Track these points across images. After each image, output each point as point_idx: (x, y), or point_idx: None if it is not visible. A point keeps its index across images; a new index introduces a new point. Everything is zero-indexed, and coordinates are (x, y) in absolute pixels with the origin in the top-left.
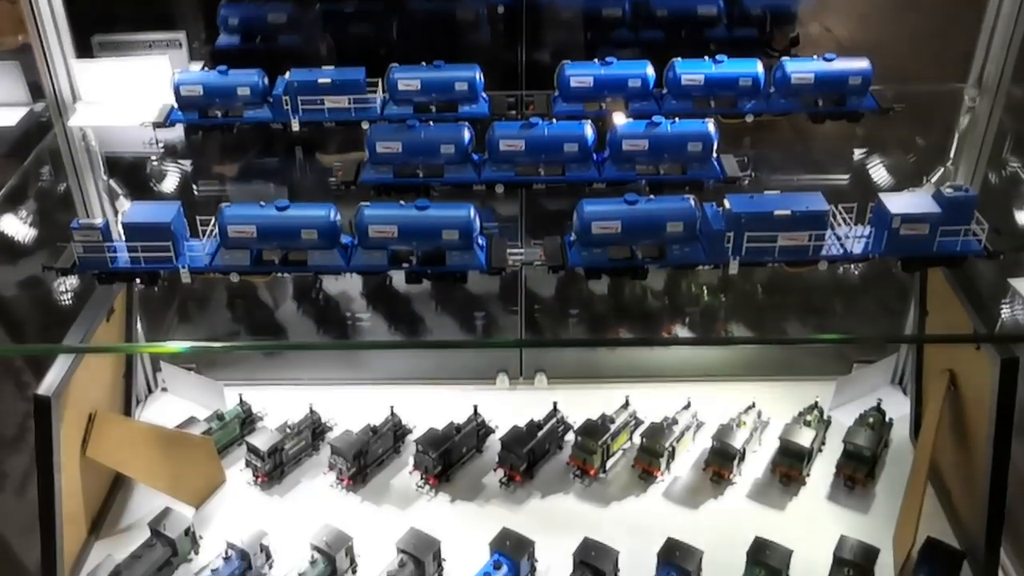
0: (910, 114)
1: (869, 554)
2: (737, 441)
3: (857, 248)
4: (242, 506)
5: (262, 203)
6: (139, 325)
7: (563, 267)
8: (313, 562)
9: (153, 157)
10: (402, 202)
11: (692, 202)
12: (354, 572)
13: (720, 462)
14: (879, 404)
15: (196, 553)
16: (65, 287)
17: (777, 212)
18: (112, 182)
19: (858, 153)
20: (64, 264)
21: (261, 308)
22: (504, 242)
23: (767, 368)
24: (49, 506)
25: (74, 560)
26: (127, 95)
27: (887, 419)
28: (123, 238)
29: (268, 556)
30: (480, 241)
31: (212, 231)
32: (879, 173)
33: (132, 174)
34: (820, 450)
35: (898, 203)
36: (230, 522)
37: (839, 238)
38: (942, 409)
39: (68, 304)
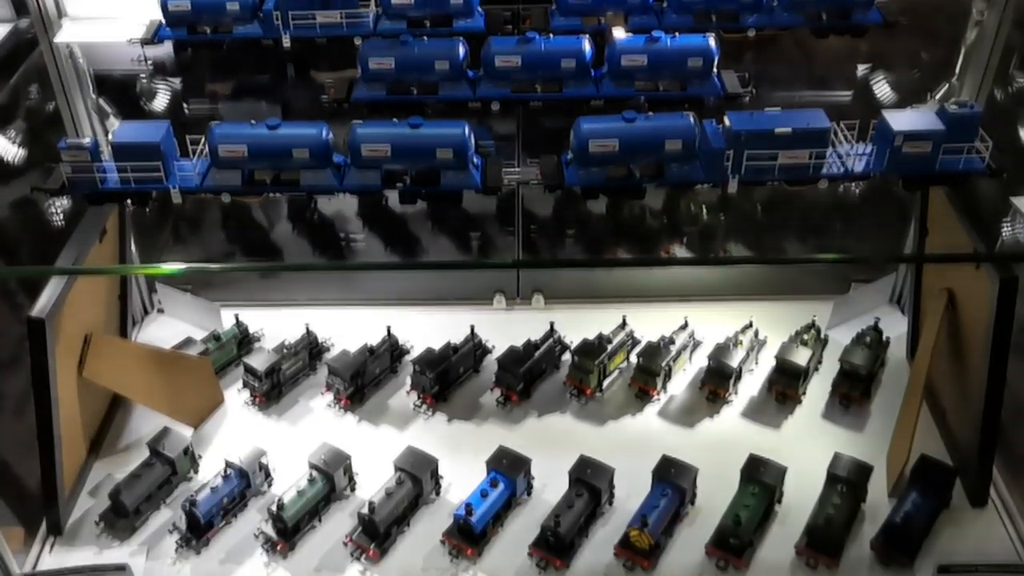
0: (916, 28)
1: (862, 471)
2: (734, 360)
3: (858, 166)
4: (240, 426)
5: (253, 122)
6: (133, 246)
7: (560, 186)
8: (312, 480)
9: (142, 75)
10: (395, 120)
11: (691, 119)
12: (352, 490)
13: (716, 381)
14: (876, 323)
15: (195, 472)
16: (56, 208)
17: (778, 130)
18: (102, 101)
19: (862, 69)
20: (53, 185)
21: (256, 229)
22: (500, 161)
23: (765, 288)
24: (47, 426)
25: (74, 479)
26: (114, 11)
27: (884, 338)
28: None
29: (267, 475)
30: (475, 160)
31: (203, 151)
32: (882, 89)
33: (122, 92)
34: (816, 369)
35: (901, 120)
36: (228, 442)
37: (840, 156)
38: (939, 328)
39: (61, 225)
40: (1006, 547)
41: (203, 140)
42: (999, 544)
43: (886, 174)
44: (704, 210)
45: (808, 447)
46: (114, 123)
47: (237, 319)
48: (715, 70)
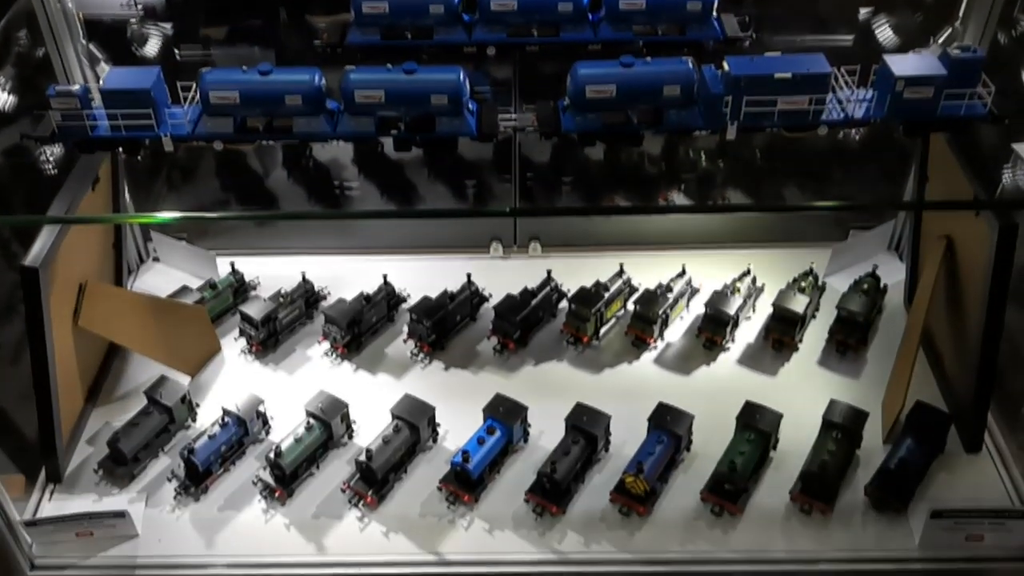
0: None
1: (858, 417)
2: (731, 308)
3: (859, 112)
4: (237, 374)
5: (244, 68)
6: (127, 194)
7: (556, 132)
8: (309, 427)
9: (133, 19)
10: (389, 66)
11: (690, 64)
12: (350, 437)
13: (713, 329)
14: (874, 270)
15: (193, 420)
16: (47, 156)
17: (777, 75)
18: (92, 46)
19: (863, 12)
20: (43, 132)
21: (250, 176)
22: (495, 107)
23: (763, 235)
24: (43, 375)
25: (72, 427)
26: None
27: (882, 285)
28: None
29: (264, 422)
30: (471, 106)
31: (194, 97)
32: (884, 33)
33: (112, 38)
34: (814, 316)
35: (902, 65)
36: (226, 390)
37: (840, 102)
38: (937, 275)
39: (53, 173)
40: (999, 492)
41: (194, 86)
42: (992, 490)
43: (887, 120)
44: (702, 157)
45: (804, 394)
46: (104, 69)
47: (233, 267)
48: (714, 13)
